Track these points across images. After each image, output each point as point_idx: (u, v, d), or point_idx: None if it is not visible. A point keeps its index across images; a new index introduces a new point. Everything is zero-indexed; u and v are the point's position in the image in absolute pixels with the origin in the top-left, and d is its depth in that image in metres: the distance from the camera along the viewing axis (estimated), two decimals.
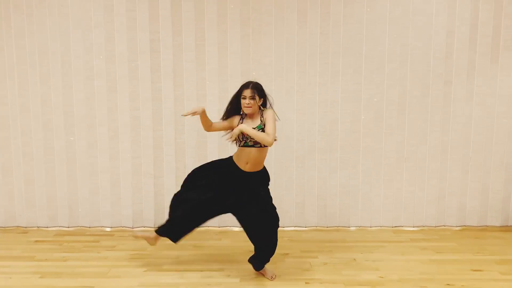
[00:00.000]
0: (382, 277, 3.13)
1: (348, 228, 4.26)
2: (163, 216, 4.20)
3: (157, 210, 4.21)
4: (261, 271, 3.13)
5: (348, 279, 3.10)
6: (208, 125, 3.08)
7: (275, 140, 2.86)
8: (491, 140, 4.18)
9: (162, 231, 3.19)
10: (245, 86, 2.96)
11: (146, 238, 3.24)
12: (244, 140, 2.94)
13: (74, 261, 3.45)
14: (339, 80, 4.10)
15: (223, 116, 3.12)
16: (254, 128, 2.89)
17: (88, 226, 4.24)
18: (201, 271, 3.25)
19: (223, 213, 3.15)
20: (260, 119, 2.95)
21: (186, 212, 3.08)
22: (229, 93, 4.05)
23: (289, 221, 4.25)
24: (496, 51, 4.07)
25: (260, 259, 3.08)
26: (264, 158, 3.04)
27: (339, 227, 4.27)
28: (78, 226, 4.25)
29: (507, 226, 4.30)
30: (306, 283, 3.04)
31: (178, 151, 4.16)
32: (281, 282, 3.04)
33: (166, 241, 3.89)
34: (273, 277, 3.09)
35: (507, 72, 4.09)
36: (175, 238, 3.19)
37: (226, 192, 3.04)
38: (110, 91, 4.09)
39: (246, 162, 2.97)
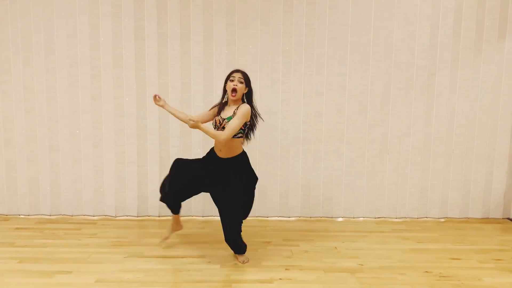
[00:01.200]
0: (361, 265, 3.15)
1: (331, 219, 4.27)
2: (146, 205, 4.21)
3: (140, 199, 4.19)
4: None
5: (328, 266, 3.11)
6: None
7: (248, 139, 3.11)
8: (474, 132, 4.22)
9: (161, 198, 3.32)
10: (235, 70, 3.03)
11: (173, 228, 3.44)
12: (216, 128, 3.00)
13: (54, 247, 3.42)
14: (324, 71, 4.11)
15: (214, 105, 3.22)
16: (224, 120, 2.95)
17: (71, 214, 4.20)
18: (182, 257, 3.24)
19: (203, 191, 3.21)
20: (234, 111, 2.96)
21: (171, 183, 3.14)
22: (214, 82, 4.05)
23: (272, 211, 4.26)
24: (479, 44, 4.11)
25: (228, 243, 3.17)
26: (236, 144, 3.04)
27: (322, 218, 4.28)
28: (60, 215, 4.21)
29: (488, 218, 4.35)
30: (286, 269, 3.04)
31: (162, 140, 4.14)
32: (261, 269, 3.04)
33: (148, 230, 3.90)
34: (245, 261, 3.12)
35: (490, 65, 4.13)
36: (173, 210, 3.33)
37: (205, 173, 3.10)
38: (94, 79, 4.06)
39: (219, 149, 3.02)
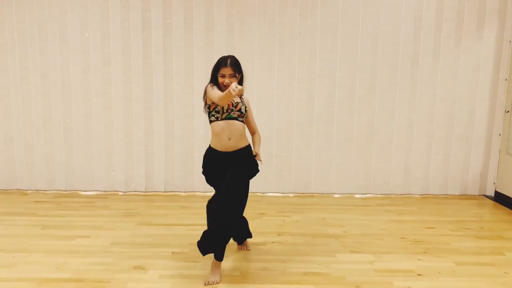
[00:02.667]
0: (345, 232, 3.56)
1: (322, 194, 4.68)
2: (153, 181, 4.61)
3: (148, 175, 4.59)
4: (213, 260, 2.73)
5: (316, 232, 3.53)
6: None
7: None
8: (453, 116, 4.59)
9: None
10: (223, 63, 2.66)
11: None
12: (228, 112, 2.67)
13: (71, 217, 3.83)
14: (316, 59, 4.47)
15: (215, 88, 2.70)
16: (238, 103, 2.73)
17: (84, 189, 4.61)
18: (187, 225, 3.65)
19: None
20: (241, 98, 2.78)
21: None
22: None
23: (268, 187, 4.66)
24: (459, 35, 4.45)
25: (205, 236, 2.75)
26: (244, 131, 2.79)
27: (314, 194, 4.69)
28: (74, 190, 4.62)
29: (466, 194, 4.75)
30: (278, 235, 3.46)
31: (168, 122, 4.52)
32: (256, 234, 3.42)
33: (155, 203, 4.30)
34: (208, 283, 2.63)
35: (469, 54, 4.48)
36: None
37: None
38: (105, 65, 4.42)
39: (228, 137, 2.67)
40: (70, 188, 4.61)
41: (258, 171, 2.86)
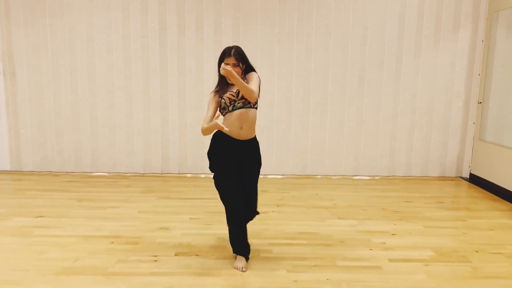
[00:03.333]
0: (335, 204, 4.18)
1: (317, 176, 5.30)
2: (168, 164, 5.23)
3: (164, 159, 5.22)
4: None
5: (309, 204, 4.15)
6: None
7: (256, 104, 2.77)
8: (432, 107, 5.20)
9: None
10: (226, 53, 2.72)
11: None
12: (232, 104, 2.70)
13: (100, 193, 4.46)
14: (312, 57, 5.08)
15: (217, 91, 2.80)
16: (232, 91, 2.72)
17: (107, 172, 5.24)
18: (200, 199, 4.27)
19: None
20: (244, 79, 2.74)
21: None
22: None
23: (270, 170, 5.28)
24: (438, 35, 5.05)
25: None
26: (255, 120, 2.78)
27: (309, 175, 5.31)
28: (99, 172, 5.25)
29: (444, 176, 5.36)
30: (277, 206, 4.09)
31: (181, 112, 5.14)
32: (258, 206, 4.05)
33: (171, 182, 4.93)
34: (240, 268, 2.82)
35: (446, 52, 5.08)
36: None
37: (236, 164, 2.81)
38: (126, 62, 5.04)
39: (240, 126, 2.72)
40: (95, 170, 5.25)
41: (260, 165, 2.95)
